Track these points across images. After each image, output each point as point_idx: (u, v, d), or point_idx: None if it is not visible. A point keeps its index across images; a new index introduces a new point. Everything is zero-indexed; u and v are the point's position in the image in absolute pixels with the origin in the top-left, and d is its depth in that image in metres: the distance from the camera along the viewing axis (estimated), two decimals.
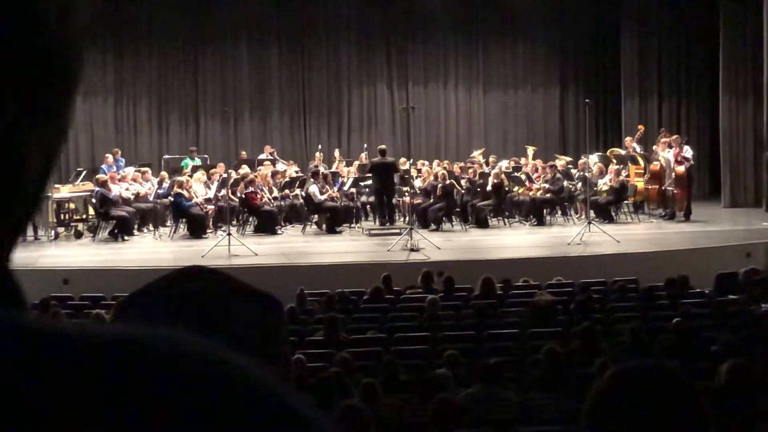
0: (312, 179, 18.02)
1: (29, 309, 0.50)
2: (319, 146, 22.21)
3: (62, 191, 17.87)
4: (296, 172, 19.71)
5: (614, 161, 19.26)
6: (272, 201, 17.84)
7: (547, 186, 18.31)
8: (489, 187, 17.99)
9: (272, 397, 0.47)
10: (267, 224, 17.34)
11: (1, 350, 0.44)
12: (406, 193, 17.82)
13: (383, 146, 18.37)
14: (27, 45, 0.49)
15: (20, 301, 0.51)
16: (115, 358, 0.45)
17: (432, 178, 18.24)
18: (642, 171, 18.99)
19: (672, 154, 18.38)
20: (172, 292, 1.23)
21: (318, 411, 0.49)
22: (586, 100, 19.01)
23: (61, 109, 0.53)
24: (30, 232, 16.74)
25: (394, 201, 18.04)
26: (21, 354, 0.44)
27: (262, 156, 20.62)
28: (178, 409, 0.44)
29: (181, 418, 0.44)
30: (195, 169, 18.56)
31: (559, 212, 18.78)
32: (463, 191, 18.31)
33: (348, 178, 19.05)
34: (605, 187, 18.09)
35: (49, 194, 16.63)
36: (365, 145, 21.78)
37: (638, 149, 19.84)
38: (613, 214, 18.13)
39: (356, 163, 20.24)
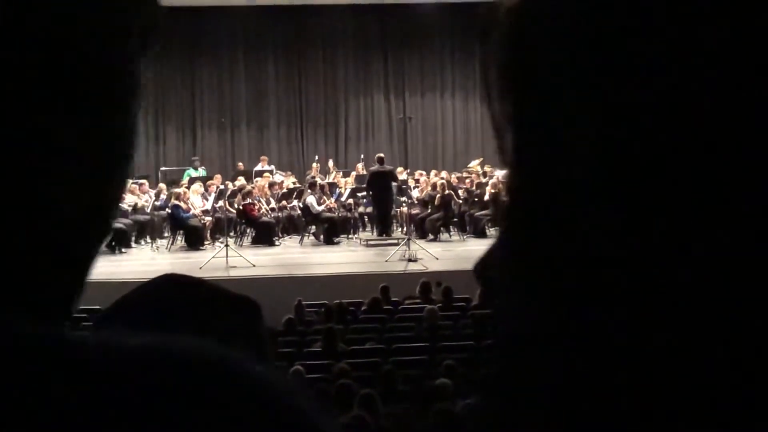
0: (309, 190, 18.02)
1: (70, 323, 0.50)
2: (317, 157, 22.22)
3: None
4: (294, 183, 19.71)
5: None
6: (270, 212, 17.84)
7: None
8: (487, 197, 17.99)
9: (295, 408, 0.47)
10: (265, 235, 17.33)
11: (27, 363, 0.44)
12: (404, 204, 17.82)
13: (381, 154, 18.37)
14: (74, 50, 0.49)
15: (63, 313, 0.51)
16: (145, 369, 0.45)
17: (430, 188, 18.25)
18: None
19: None
20: (148, 305, 1.22)
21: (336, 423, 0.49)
22: None
23: (112, 122, 0.53)
24: None
25: (392, 211, 18.05)
26: (51, 367, 0.44)
27: (258, 167, 20.62)
28: (208, 419, 0.44)
29: (212, 428, 0.44)
30: (192, 180, 18.57)
31: None
32: (460, 201, 18.32)
33: (345, 189, 19.05)
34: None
35: None
36: (362, 156, 21.81)
37: None
38: None
39: (353, 173, 20.24)
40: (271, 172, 20.12)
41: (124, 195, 0.58)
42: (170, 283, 1.26)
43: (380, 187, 17.44)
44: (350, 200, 18.61)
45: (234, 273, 14.02)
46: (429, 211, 17.84)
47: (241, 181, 18.45)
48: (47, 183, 0.50)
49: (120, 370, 0.45)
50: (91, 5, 0.51)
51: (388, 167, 17.93)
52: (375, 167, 17.76)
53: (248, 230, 17.74)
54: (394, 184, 17.80)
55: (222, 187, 17.70)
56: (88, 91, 0.51)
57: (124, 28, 0.53)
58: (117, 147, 0.55)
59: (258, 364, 0.48)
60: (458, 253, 16.30)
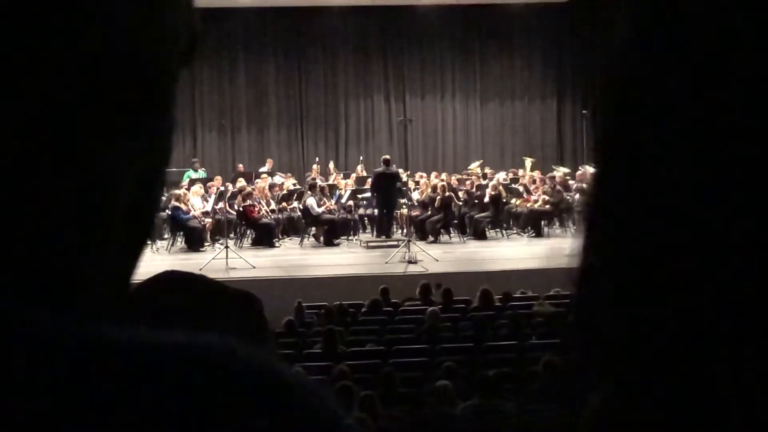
0: (309, 192, 18.01)
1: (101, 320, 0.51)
2: (317, 159, 22.22)
3: None
4: (294, 184, 19.71)
5: None
6: (270, 214, 17.84)
7: (546, 198, 18.32)
8: (487, 199, 18.00)
9: (322, 405, 0.48)
10: (265, 237, 17.33)
11: (61, 359, 0.44)
12: (404, 206, 17.81)
13: (387, 156, 18.34)
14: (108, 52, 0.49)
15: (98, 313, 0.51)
16: (174, 365, 0.45)
17: (430, 190, 18.25)
18: None
19: None
20: (151, 300, 1.22)
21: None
22: (584, 111, 19.04)
23: (151, 122, 0.54)
24: None
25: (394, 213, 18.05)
26: (88, 364, 0.44)
27: (264, 169, 20.63)
28: (238, 417, 0.45)
29: (239, 425, 0.44)
30: (192, 182, 18.57)
31: (557, 223, 18.78)
32: (460, 203, 18.32)
33: (345, 191, 19.05)
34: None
35: None
36: (361, 158, 21.80)
37: None
38: None
39: (353, 175, 20.23)
40: (271, 173, 20.12)
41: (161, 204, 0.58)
42: (172, 279, 1.26)
43: (386, 189, 17.37)
44: (350, 202, 18.61)
45: (234, 274, 14.02)
46: (429, 212, 17.83)
47: (241, 182, 18.44)
48: (98, 191, 0.50)
49: (155, 367, 0.45)
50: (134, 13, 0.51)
51: (394, 169, 17.89)
52: (381, 168, 17.68)
53: (248, 232, 17.75)
54: (398, 185, 17.77)
55: (222, 188, 17.70)
56: (134, 100, 0.51)
57: (169, 36, 0.53)
58: (158, 152, 0.56)
59: (285, 365, 0.48)
60: (458, 254, 16.30)
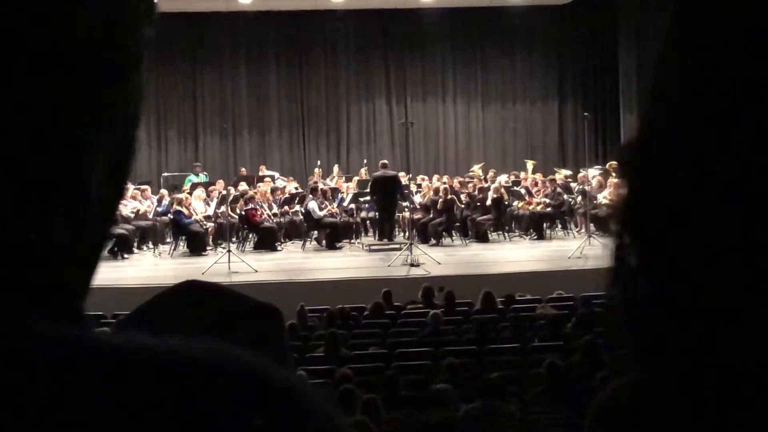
0: (311, 195, 18.02)
1: (86, 324, 0.50)
2: (318, 162, 22.21)
3: None
4: (296, 188, 19.72)
5: (614, 174, 19.25)
6: (272, 217, 17.84)
7: (547, 200, 18.32)
8: (489, 202, 17.99)
9: (318, 412, 0.48)
10: (267, 241, 17.33)
11: (52, 363, 0.44)
12: (406, 208, 17.81)
13: (385, 160, 18.36)
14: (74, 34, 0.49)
15: (79, 316, 0.51)
16: (167, 371, 0.45)
17: (432, 192, 18.25)
18: None
19: None
20: (171, 311, 1.22)
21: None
22: (585, 114, 19.04)
23: (122, 111, 0.53)
24: None
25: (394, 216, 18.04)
26: (75, 368, 0.44)
27: (268, 173, 20.63)
28: (229, 425, 0.44)
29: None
30: (194, 186, 18.57)
31: (559, 226, 18.77)
32: (462, 206, 18.31)
33: (347, 194, 19.04)
34: (605, 201, 18.07)
35: None
36: (365, 161, 21.80)
37: None
38: None
39: (356, 178, 20.23)
40: (273, 177, 20.12)
41: (125, 197, 0.57)
42: (192, 290, 1.26)
43: (385, 192, 17.42)
44: (352, 205, 18.61)
45: (236, 278, 14.02)
46: (431, 215, 17.83)
47: (243, 186, 18.45)
48: (61, 183, 0.50)
49: (150, 372, 0.45)
50: None
51: (392, 172, 17.92)
52: (379, 172, 17.72)
53: (250, 235, 17.74)
54: (397, 188, 17.78)
55: (224, 192, 17.70)
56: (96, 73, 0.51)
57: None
58: (124, 139, 0.55)
59: (285, 372, 0.48)
60: (460, 257, 16.29)
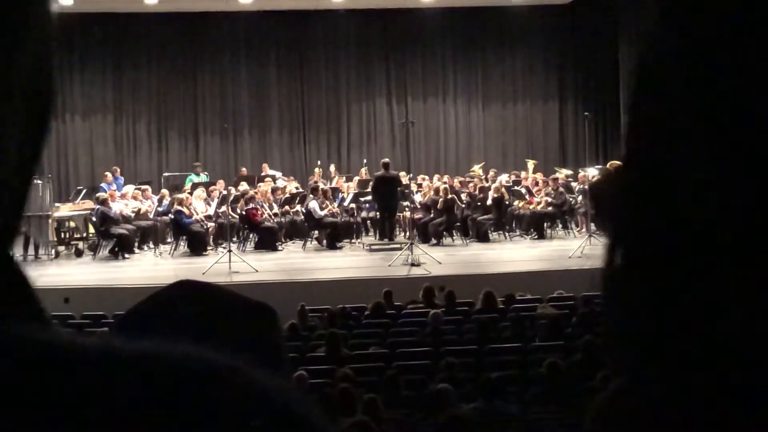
0: (312, 195, 18.02)
1: (47, 321, 0.49)
2: (319, 162, 22.21)
3: (62, 210, 17.86)
4: (296, 188, 19.71)
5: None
6: (272, 217, 17.84)
7: (549, 200, 18.31)
8: (489, 201, 17.99)
9: (300, 416, 0.47)
10: (267, 241, 17.33)
11: (19, 368, 0.43)
12: (407, 208, 17.81)
13: (386, 160, 18.35)
14: None
15: (37, 311, 0.49)
16: (143, 376, 0.44)
17: (432, 192, 18.24)
18: None
19: None
20: (164, 311, 1.22)
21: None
22: (586, 113, 19.03)
23: (38, 96, 0.51)
24: (30, 251, 16.75)
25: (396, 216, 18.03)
26: (43, 373, 0.43)
27: (271, 172, 20.62)
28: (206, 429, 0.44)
29: None
30: (195, 186, 18.57)
31: (560, 225, 18.77)
32: (463, 205, 18.31)
33: (348, 194, 19.04)
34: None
35: (50, 213, 16.64)
36: (365, 160, 21.80)
37: None
38: None
39: (356, 178, 20.22)
40: (273, 177, 20.11)
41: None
42: (186, 290, 1.26)
43: (386, 192, 17.41)
44: (353, 205, 18.61)
45: (237, 278, 14.02)
46: (432, 215, 17.83)
47: (243, 186, 18.45)
48: None
49: (113, 376, 0.44)
50: None
51: (393, 173, 17.91)
52: (381, 172, 17.71)
53: (251, 235, 17.74)
54: (398, 189, 17.77)
55: (225, 192, 17.70)
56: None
57: None
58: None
59: (265, 372, 0.47)
60: (461, 257, 16.29)
